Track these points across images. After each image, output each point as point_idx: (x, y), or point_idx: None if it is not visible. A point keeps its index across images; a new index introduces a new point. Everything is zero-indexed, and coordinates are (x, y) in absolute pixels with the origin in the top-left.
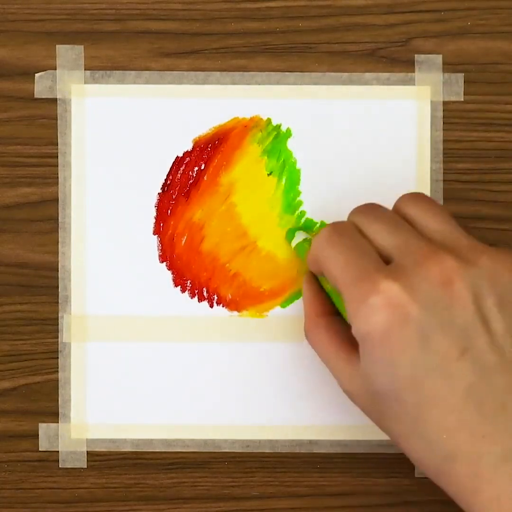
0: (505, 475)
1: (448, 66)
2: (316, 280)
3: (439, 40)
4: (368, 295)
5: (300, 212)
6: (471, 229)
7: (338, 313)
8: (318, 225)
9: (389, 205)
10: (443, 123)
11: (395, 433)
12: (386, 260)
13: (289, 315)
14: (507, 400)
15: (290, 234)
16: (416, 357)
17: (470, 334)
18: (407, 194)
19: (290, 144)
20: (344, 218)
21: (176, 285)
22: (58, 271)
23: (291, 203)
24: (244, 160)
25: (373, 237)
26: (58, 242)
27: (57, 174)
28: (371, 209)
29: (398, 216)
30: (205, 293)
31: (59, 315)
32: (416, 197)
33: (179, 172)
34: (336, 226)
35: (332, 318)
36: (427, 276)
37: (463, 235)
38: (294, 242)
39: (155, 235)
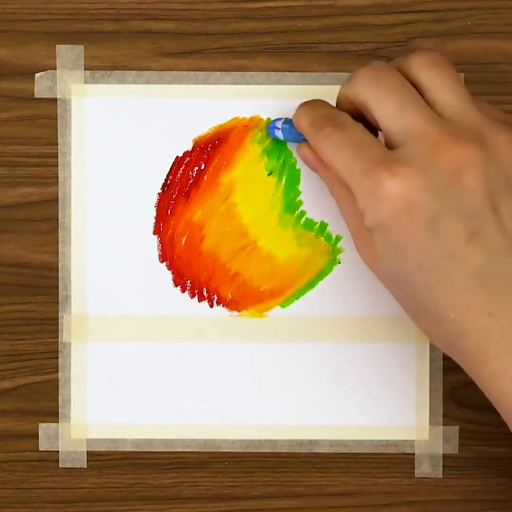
0: (510, 349)
1: None
2: None
3: (439, 40)
4: (376, 187)
5: (300, 212)
6: None
7: None
8: (317, 225)
9: None
10: None
11: (407, 308)
12: (394, 143)
13: (289, 315)
14: None
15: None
16: (425, 242)
17: (478, 220)
18: (423, 54)
19: (290, 144)
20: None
21: (176, 285)
22: (58, 271)
23: (291, 203)
24: (244, 160)
25: (380, 118)
26: (58, 242)
27: (57, 174)
28: (380, 76)
29: (409, 86)
30: (205, 293)
31: (59, 315)
32: (432, 61)
33: (179, 172)
34: (335, 117)
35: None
36: (436, 164)
37: (476, 113)
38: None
39: (155, 235)
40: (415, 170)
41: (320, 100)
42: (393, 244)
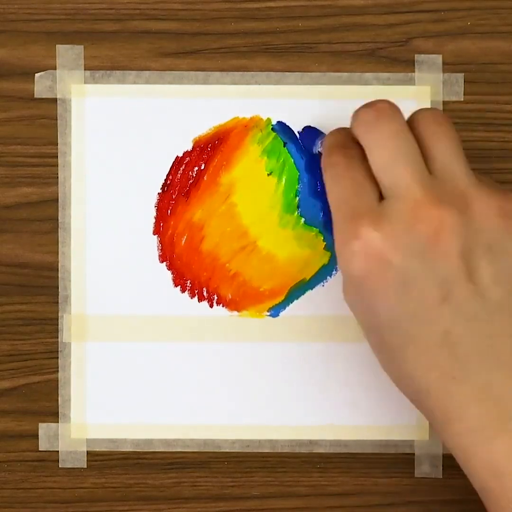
0: (473, 413)
1: (448, 66)
2: None
3: (439, 40)
4: (350, 238)
5: (300, 212)
6: None
7: None
8: (317, 225)
9: None
10: None
11: (377, 358)
12: (384, 193)
13: (289, 315)
14: (483, 346)
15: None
16: (395, 302)
17: (452, 284)
18: (428, 110)
19: (290, 144)
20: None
21: (176, 285)
22: (58, 271)
23: (291, 203)
24: (244, 160)
25: (373, 164)
26: (58, 242)
27: (57, 174)
28: (380, 120)
29: (408, 135)
30: (205, 293)
31: (59, 315)
32: (433, 116)
33: (179, 172)
34: (348, 146)
35: None
36: (414, 227)
37: (462, 173)
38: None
39: (155, 235)
40: (395, 228)
41: (347, 128)
42: (363, 299)
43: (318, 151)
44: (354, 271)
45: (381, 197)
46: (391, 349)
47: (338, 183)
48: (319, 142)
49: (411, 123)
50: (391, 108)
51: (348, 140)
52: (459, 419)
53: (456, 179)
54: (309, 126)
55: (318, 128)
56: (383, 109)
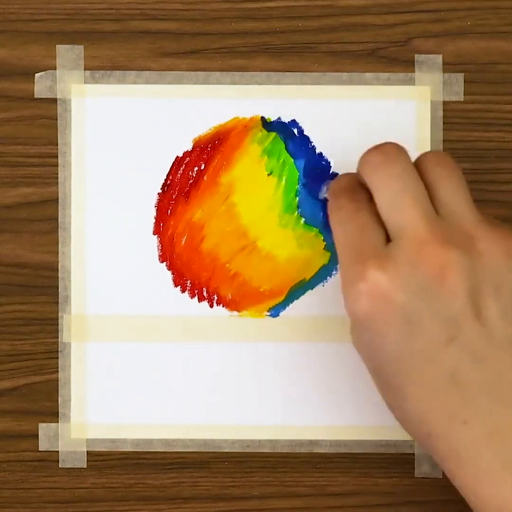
0: (484, 457)
1: (448, 66)
2: None
3: (439, 40)
4: (356, 280)
5: (300, 212)
6: None
7: None
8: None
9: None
10: (443, 123)
11: (382, 397)
12: (390, 234)
13: (289, 315)
14: (492, 386)
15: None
16: (400, 342)
17: (459, 323)
18: (432, 152)
19: (291, 145)
20: None
21: (176, 285)
22: (58, 271)
23: (291, 203)
24: (244, 160)
25: (379, 206)
26: (58, 242)
27: (57, 174)
28: (386, 162)
29: (414, 176)
30: (205, 293)
31: (59, 315)
32: (438, 158)
33: (179, 172)
34: (355, 190)
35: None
36: (420, 266)
37: (468, 214)
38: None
39: (155, 235)
40: (400, 268)
41: (354, 173)
42: (368, 339)
43: (324, 196)
44: (359, 311)
45: (388, 239)
46: (395, 389)
47: (345, 227)
48: (325, 187)
49: (417, 166)
50: (398, 149)
51: (355, 184)
52: (469, 463)
53: (462, 219)
54: (314, 169)
55: (320, 168)
56: (389, 151)
